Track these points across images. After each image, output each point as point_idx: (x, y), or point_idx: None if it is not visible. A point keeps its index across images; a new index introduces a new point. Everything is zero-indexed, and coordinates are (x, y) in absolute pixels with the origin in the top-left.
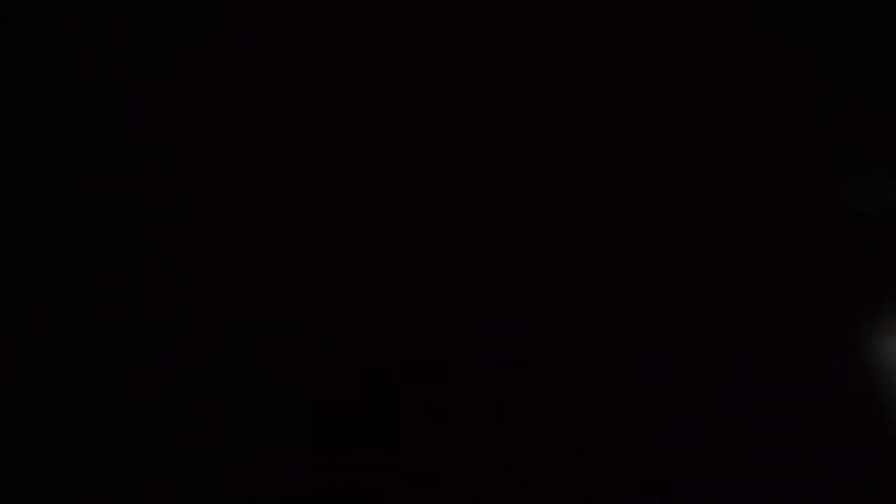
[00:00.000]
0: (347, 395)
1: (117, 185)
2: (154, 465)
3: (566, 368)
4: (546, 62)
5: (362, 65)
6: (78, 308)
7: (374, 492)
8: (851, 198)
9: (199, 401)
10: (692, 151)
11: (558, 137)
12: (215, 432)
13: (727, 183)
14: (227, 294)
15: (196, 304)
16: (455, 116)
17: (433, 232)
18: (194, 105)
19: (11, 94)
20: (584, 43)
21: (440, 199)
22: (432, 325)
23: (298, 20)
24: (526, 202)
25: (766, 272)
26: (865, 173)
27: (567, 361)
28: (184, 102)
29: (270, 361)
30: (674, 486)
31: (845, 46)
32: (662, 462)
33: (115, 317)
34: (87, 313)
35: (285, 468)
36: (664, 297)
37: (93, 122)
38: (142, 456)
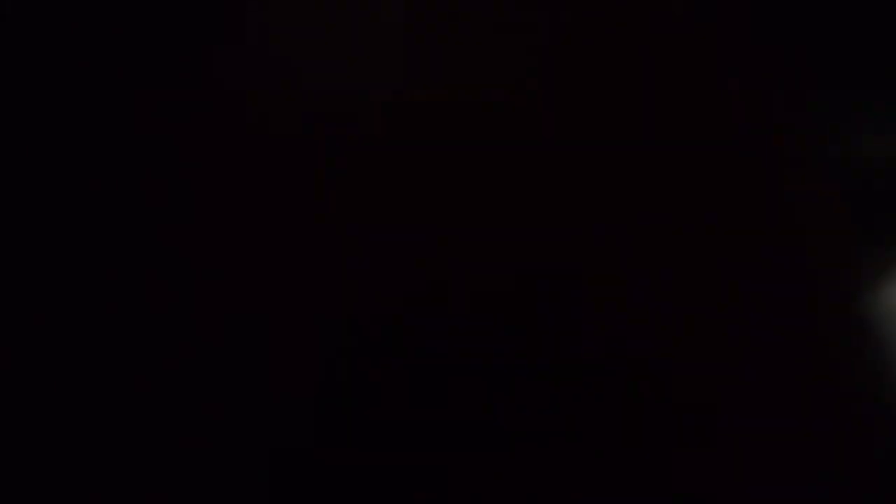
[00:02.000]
0: (347, 394)
1: (117, 185)
2: (154, 465)
3: (568, 368)
4: (546, 61)
5: (362, 64)
6: (78, 308)
7: (375, 493)
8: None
9: (199, 401)
10: (691, 150)
11: (557, 137)
12: (215, 432)
13: (726, 183)
14: (227, 294)
15: (196, 304)
16: (455, 116)
17: (433, 232)
18: (194, 105)
19: (11, 93)
20: (583, 43)
21: (440, 199)
22: (433, 326)
23: (298, 19)
24: (525, 202)
25: (765, 268)
26: (866, 173)
27: (568, 361)
28: (184, 102)
29: (270, 361)
30: (671, 483)
31: (845, 46)
32: (661, 460)
33: (115, 317)
34: (86, 313)
35: (285, 468)
36: (663, 290)
37: (93, 122)
38: (141, 456)
